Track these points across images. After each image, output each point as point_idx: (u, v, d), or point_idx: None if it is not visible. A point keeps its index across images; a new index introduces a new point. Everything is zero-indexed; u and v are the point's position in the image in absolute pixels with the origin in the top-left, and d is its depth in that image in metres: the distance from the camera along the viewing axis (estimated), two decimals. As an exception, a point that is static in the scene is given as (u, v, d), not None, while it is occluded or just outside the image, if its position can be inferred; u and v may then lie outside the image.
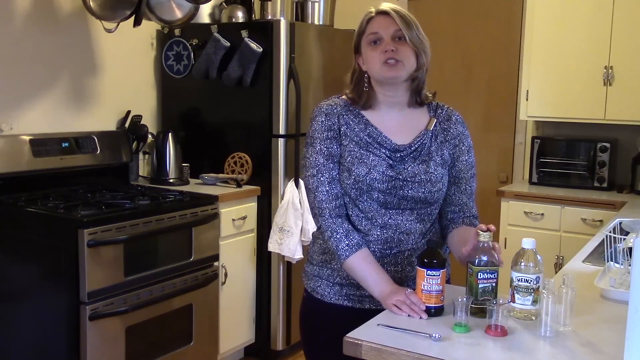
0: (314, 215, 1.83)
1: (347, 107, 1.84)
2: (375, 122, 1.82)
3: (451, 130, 1.86)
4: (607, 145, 3.69)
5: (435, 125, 1.85)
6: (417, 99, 1.85)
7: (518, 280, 1.55)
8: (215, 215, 3.21)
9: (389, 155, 1.79)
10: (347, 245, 1.75)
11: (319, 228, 1.83)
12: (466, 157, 1.87)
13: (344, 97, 1.88)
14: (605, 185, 3.70)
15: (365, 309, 1.81)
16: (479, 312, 1.55)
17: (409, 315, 1.58)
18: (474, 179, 1.89)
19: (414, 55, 1.77)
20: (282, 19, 3.65)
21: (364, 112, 1.84)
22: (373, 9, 1.80)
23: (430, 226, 1.87)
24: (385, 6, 1.78)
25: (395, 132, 1.82)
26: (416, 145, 1.81)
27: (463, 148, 1.86)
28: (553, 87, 3.79)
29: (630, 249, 1.73)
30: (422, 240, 1.83)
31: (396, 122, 1.83)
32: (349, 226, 1.78)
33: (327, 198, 1.79)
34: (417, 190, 1.77)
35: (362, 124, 1.82)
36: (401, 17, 1.76)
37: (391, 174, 1.77)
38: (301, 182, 3.53)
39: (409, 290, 1.65)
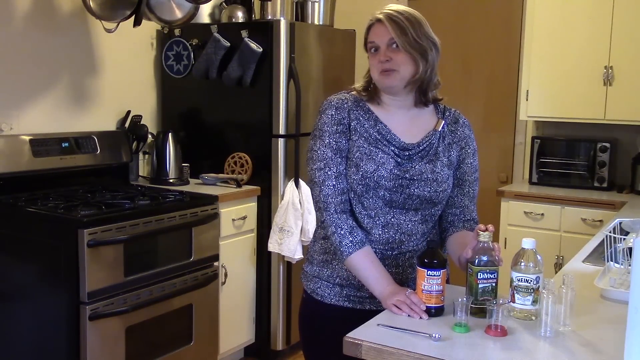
0: (318, 209, 1.82)
1: (357, 102, 1.84)
2: (385, 119, 1.82)
3: (458, 133, 1.87)
4: (607, 145, 3.69)
5: (442, 127, 1.86)
6: (422, 99, 1.84)
7: (518, 280, 1.55)
8: (215, 215, 3.21)
9: (397, 153, 1.79)
10: (351, 242, 1.75)
11: (322, 222, 1.82)
12: (471, 160, 1.88)
13: (353, 92, 1.88)
14: (605, 185, 3.70)
15: (366, 309, 1.80)
16: (479, 312, 1.55)
17: (409, 316, 1.58)
18: (476, 183, 1.90)
19: (411, 60, 1.76)
20: (282, 19, 3.65)
21: (373, 109, 1.84)
22: (372, 18, 1.80)
23: (432, 229, 1.87)
24: (382, 13, 1.77)
25: (404, 131, 1.82)
26: (424, 145, 1.82)
27: (469, 151, 1.88)
28: (553, 87, 3.79)
29: (630, 249, 1.73)
30: (423, 243, 1.83)
31: (404, 121, 1.84)
32: (353, 223, 1.78)
33: (333, 192, 1.78)
34: (423, 189, 1.77)
35: (371, 120, 1.82)
36: (395, 23, 1.74)
37: (398, 172, 1.77)
38: (301, 182, 3.53)
39: (410, 290, 1.65)
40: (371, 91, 1.84)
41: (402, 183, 1.77)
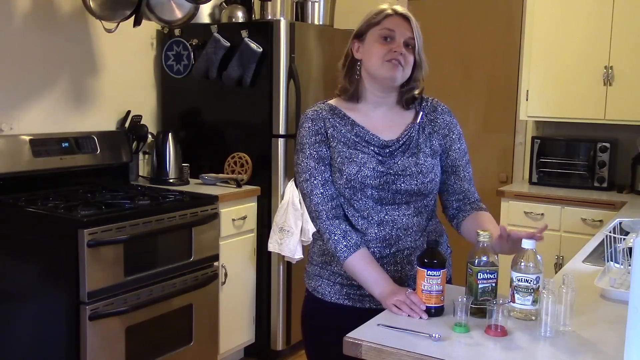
0: (312, 219, 1.84)
1: (333, 110, 1.87)
2: (362, 121, 1.84)
3: (438, 121, 1.88)
4: (607, 145, 3.69)
5: (421, 118, 1.87)
6: (403, 103, 1.87)
7: (518, 280, 1.55)
8: (215, 215, 3.21)
9: (378, 152, 1.81)
10: (345, 246, 1.75)
11: (318, 231, 1.84)
12: (458, 145, 1.89)
13: (329, 102, 1.91)
14: (605, 185, 3.70)
15: (366, 308, 1.81)
16: (479, 312, 1.55)
17: (409, 315, 1.58)
18: (469, 165, 1.91)
19: (413, 66, 1.80)
20: (282, 19, 3.65)
21: (349, 114, 1.85)
22: (391, 9, 1.80)
23: (428, 221, 1.87)
24: (403, 10, 1.81)
25: (382, 129, 1.84)
26: (404, 139, 1.83)
27: (454, 137, 1.88)
28: (553, 87, 3.78)
29: (630, 249, 1.73)
30: (421, 238, 1.84)
31: (382, 119, 1.85)
32: (347, 227, 1.79)
33: (322, 200, 1.79)
34: (409, 183, 1.79)
35: (348, 125, 1.83)
36: (416, 26, 1.80)
37: (382, 169, 1.78)
38: (301, 182, 3.53)
39: (409, 290, 1.65)
40: (356, 82, 1.85)
41: (388, 179, 1.78)
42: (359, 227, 1.81)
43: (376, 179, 1.78)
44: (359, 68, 1.84)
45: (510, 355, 1.38)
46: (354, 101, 1.86)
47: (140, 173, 3.78)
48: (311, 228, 3.44)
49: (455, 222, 1.90)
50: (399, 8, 1.82)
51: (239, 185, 3.52)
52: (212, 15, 4.02)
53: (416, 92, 1.87)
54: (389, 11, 1.80)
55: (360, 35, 1.84)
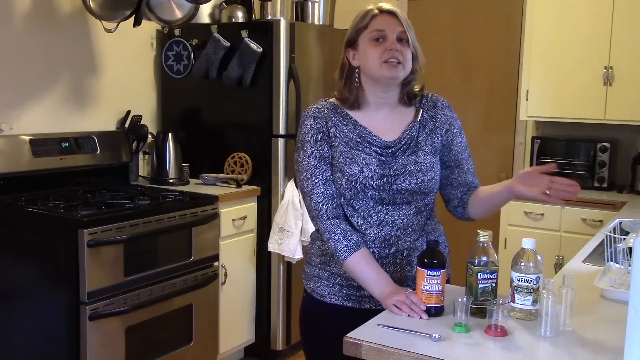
0: (312, 218, 1.83)
1: (335, 109, 1.85)
2: (364, 122, 1.83)
3: (439, 117, 1.87)
4: (607, 145, 3.69)
5: (422, 115, 1.86)
6: (405, 100, 1.86)
7: (518, 280, 1.55)
8: (215, 215, 3.21)
9: (380, 153, 1.80)
10: (346, 246, 1.75)
11: (317, 230, 1.84)
12: (460, 139, 1.88)
13: (331, 99, 1.89)
14: (605, 185, 3.70)
15: (366, 309, 1.81)
16: (479, 312, 1.55)
17: (409, 316, 1.58)
18: (470, 158, 1.92)
19: (412, 58, 1.79)
20: (282, 19, 3.65)
21: (351, 113, 1.84)
22: (375, 8, 1.80)
23: (426, 220, 1.87)
24: (388, 7, 1.79)
25: (384, 130, 1.83)
26: (405, 139, 1.82)
27: (455, 131, 1.88)
28: (553, 87, 3.78)
29: (630, 249, 1.73)
30: (420, 239, 1.84)
31: (384, 120, 1.84)
32: (347, 226, 1.78)
33: (323, 199, 1.79)
34: (409, 182, 1.78)
35: (350, 125, 1.82)
36: (404, 19, 1.79)
37: (382, 171, 1.78)
38: (301, 182, 3.53)
39: (409, 290, 1.65)
40: (356, 90, 1.83)
41: (388, 180, 1.78)
42: (358, 227, 1.81)
43: (377, 180, 1.77)
44: (357, 75, 1.83)
45: (510, 355, 1.38)
46: (354, 109, 1.85)
47: (140, 173, 3.78)
48: (311, 228, 3.44)
49: (460, 209, 1.87)
50: (384, 5, 1.80)
51: (239, 185, 3.52)
52: (212, 15, 4.03)
53: (417, 88, 1.87)
54: (375, 11, 1.79)
55: (352, 43, 1.83)
